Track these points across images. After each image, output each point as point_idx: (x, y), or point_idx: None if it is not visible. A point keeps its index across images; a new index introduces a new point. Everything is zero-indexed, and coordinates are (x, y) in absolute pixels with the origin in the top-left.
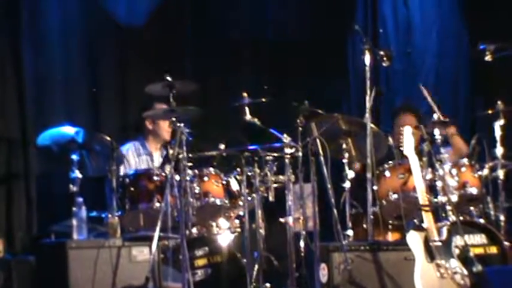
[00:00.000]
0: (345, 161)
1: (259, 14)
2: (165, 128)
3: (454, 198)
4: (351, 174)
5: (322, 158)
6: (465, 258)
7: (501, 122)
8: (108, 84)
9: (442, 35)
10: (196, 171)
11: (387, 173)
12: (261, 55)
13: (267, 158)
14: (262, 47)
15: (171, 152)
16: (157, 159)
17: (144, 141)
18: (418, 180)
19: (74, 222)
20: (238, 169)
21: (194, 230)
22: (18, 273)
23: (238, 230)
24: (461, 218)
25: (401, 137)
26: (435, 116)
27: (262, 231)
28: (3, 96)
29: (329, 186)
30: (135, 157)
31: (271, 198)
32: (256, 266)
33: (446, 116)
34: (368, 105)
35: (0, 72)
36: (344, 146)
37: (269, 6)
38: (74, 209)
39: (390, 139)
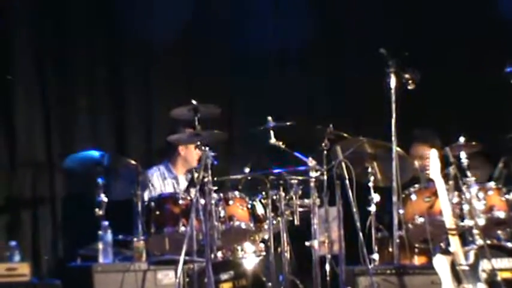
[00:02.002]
0: (370, 184)
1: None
2: (194, 153)
3: (481, 221)
4: (376, 197)
5: (347, 182)
6: (492, 283)
7: None
8: (133, 107)
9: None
10: (221, 194)
11: (413, 197)
12: (286, 76)
13: (292, 181)
14: (288, 70)
15: (196, 175)
16: (183, 183)
17: (169, 165)
18: (444, 204)
19: (100, 245)
20: (264, 193)
21: (219, 254)
22: None
23: (264, 253)
24: (488, 241)
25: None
26: (461, 139)
27: (287, 254)
28: (29, 120)
29: (354, 209)
30: (160, 181)
31: (296, 222)
32: None
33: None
34: (393, 128)
35: (25, 96)
36: (369, 169)
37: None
38: (100, 232)
39: (416, 162)
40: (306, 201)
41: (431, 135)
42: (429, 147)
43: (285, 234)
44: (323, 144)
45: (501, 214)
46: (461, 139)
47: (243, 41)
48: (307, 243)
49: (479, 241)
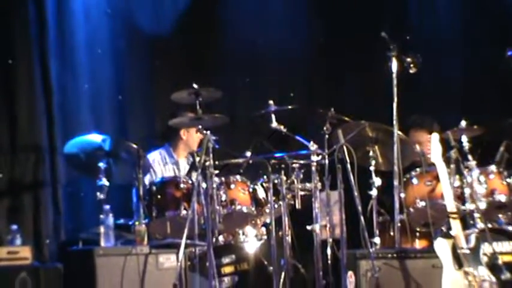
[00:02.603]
0: (371, 168)
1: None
2: (196, 136)
3: (482, 205)
4: (378, 181)
5: (349, 166)
6: (493, 266)
7: None
8: (134, 92)
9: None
10: (222, 178)
11: (414, 181)
12: (287, 62)
13: (294, 165)
14: (289, 54)
15: (197, 159)
16: (183, 167)
17: (170, 150)
18: (445, 188)
19: (101, 229)
20: (265, 176)
21: (221, 238)
22: (47, 281)
23: (265, 237)
24: (489, 225)
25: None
26: (463, 123)
27: (288, 238)
28: (30, 105)
29: (356, 193)
30: (161, 166)
31: (297, 206)
32: (283, 274)
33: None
34: (395, 112)
35: (27, 81)
36: (371, 153)
37: (296, 13)
38: (101, 216)
39: (417, 146)
40: (308, 185)
41: (429, 121)
42: (427, 133)
43: (286, 218)
44: (325, 128)
45: (502, 198)
46: (463, 123)
47: (245, 22)
48: (308, 227)
49: (480, 225)
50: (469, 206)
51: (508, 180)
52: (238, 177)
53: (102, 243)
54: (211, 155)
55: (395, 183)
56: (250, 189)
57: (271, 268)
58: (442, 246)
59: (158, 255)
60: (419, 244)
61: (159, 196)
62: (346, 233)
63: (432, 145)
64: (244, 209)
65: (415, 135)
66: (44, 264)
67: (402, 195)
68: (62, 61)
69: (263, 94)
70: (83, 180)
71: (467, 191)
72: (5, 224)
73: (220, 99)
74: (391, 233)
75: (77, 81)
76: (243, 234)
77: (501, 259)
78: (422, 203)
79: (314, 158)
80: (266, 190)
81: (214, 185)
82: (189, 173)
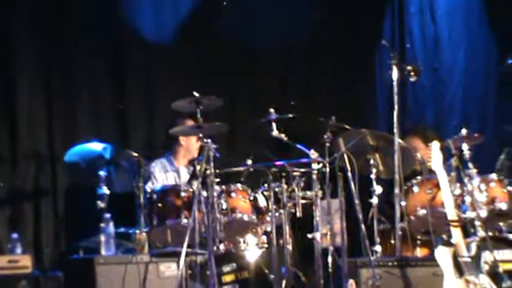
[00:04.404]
0: (372, 176)
1: (287, 31)
2: (195, 142)
3: (483, 213)
4: (378, 189)
5: (349, 174)
6: (494, 274)
7: None
8: (135, 100)
9: (470, 51)
10: (223, 187)
11: (415, 188)
12: (288, 71)
13: (294, 173)
14: (290, 63)
15: (198, 167)
16: (184, 176)
17: (171, 158)
18: (446, 196)
19: (102, 238)
20: (266, 185)
21: (222, 246)
22: None
23: (266, 245)
24: (490, 233)
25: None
26: (463, 131)
27: (289, 247)
28: (31, 112)
29: (357, 201)
30: (162, 174)
31: (298, 214)
32: (284, 282)
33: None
34: (396, 120)
35: (28, 88)
36: (372, 161)
37: (296, 21)
38: (102, 224)
39: (418, 155)
40: (308, 193)
41: (425, 128)
42: (421, 140)
43: (287, 227)
44: (325, 136)
45: (503, 206)
46: (463, 131)
47: (246, 31)
48: (309, 235)
49: (481, 233)
50: (470, 214)
51: (509, 188)
52: (239, 185)
53: (103, 252)
54: (211, 164)
55: (396, 191)
56: (251, 198)
57: (272, 276)
58: (443, 254)
59: (159, 264)
60: (420, 252)
61: (159, 204)
62: (347, 241)
63: (433, 153)
64: (245, 217)
65: (409, 143)
66: (44, 273)
67: (403, 203)
68: (63, 68)
69: (264, 102)
70: (84, 188)
71: (467, 199)
72: (5, 232)
73: (221, 107)
74: (392, 241)
75: (78, 89)
76: (244, 242)
77: (502, 267)
78: (423, 211)
79: (315, 166)
80: (267, 198)
81: (215, 193)
82: (189, 182)
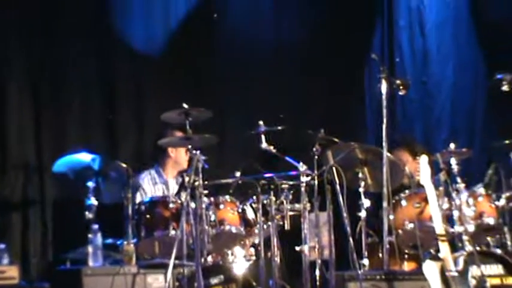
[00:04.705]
0: (361, 189)
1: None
2: (184, 154)
3: (471, 228)
4: (366, 203)
5: (338, 187)
6: None
7: None
8: (125, 111)
9: (459, 65)
10: (212, 198)
11: (403, 202)
12: (277, 83)
13: (283, 186)
14: (279, 76)
15: (187, 179)
16: (173, 187)
17: (159, 170)
18: (434, 210)
19: (90, 249)
20: (254, 197)
21: (209, 258)
22: None
23: (254, 258)
24: (478, 248)
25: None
26: (452, 146)
27: (277, 259)
28: (19, 122)
29: (345, 214)
30: (151, 185)
31: (286, 227)
32: None
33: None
34: (384, 134)
35: (17, 98)
36: (360, 174)
37: (286, 33)
38: (90, 236)
39: (407, 168)
40: (297, 205)
41: (411, 141)
42: (409, 153)
43: (275, 239)
44: (314, 149)
45: (491, 220)
46: (452, 145)
47: (235, 44)
48: (297, 248)
49: (469, 247)
50: (458, 228)
51: (497, 202)
52: (227, 197)
53: (90, 263)
54: (200, 175)
55: (385, 204)
56: (240, 210)
57: None
58: (430, 268)
59: (146, 275)
60: (407, 266)
61: (148, 216)
62: (335, 254)
63: (421, 167)
64: (233, 230)
65: (397, 156)
66: (31, 284)
67: (391, 217)
68: (52, 78)
69: (253, 114)
70: (72, 199)
71: (455, 213)
72: None
73: (210, 119)
74: (380, 255)
75: (67, 99)
76: (232, 254)
77: (489, 282)
78: (411, 225)
79: (303, 179)
80: (255, 210)
81: (204, 205)
82: (178, 193)
